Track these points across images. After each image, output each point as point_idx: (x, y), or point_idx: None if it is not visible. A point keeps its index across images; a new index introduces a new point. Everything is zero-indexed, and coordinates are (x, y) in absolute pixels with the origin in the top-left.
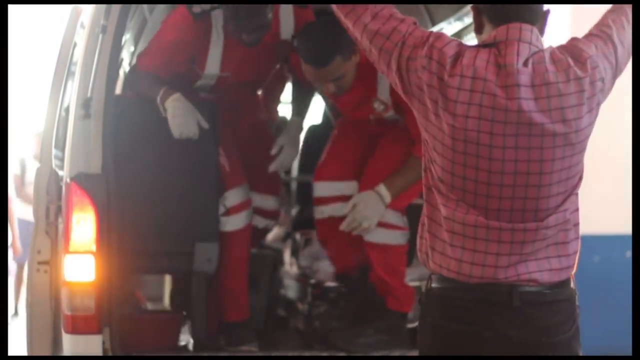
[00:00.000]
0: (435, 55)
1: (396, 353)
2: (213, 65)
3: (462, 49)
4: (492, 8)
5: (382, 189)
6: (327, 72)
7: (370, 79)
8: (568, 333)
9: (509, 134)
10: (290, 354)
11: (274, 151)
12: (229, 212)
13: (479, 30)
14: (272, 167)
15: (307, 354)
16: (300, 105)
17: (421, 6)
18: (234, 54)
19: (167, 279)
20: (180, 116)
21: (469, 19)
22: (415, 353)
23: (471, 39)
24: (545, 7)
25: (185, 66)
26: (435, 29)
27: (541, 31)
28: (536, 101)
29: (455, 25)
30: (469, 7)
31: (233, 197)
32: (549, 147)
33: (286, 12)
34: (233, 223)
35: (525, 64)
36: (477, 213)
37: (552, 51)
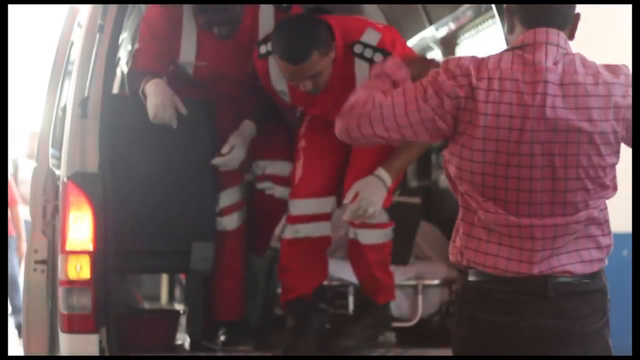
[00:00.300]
0: (457, 71)
1: (393, 353)
2: (187, 53)
3: (478, 58)
4: (524, 10)
5: (381, 172)
6: (304, 69)
7: (349, 75)
8: (599, 323)
9: (536, 130)
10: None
11: (225, 150)
12: (222, 212)
13: (510, 30)
14: (215, 161)
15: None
16: (259, 110)
17: (419, 6)
18: (208, 44)
19: (164, 278)
20: (156, 97)
21: (465, 18)
22: (413, 352)
23: (468, 38)
24: (577, 9)
25: (170, 57)
26: (432, 28)
27: (571, 34)
28: (563, 98)
29: (452, 25)
30: (466, 6)
31: (226, 198)
32: (573, 142)
33: (266, 14)
34: (226, 223)
35: (555, 63)
36: (507, 212)
37: (582, 57)
